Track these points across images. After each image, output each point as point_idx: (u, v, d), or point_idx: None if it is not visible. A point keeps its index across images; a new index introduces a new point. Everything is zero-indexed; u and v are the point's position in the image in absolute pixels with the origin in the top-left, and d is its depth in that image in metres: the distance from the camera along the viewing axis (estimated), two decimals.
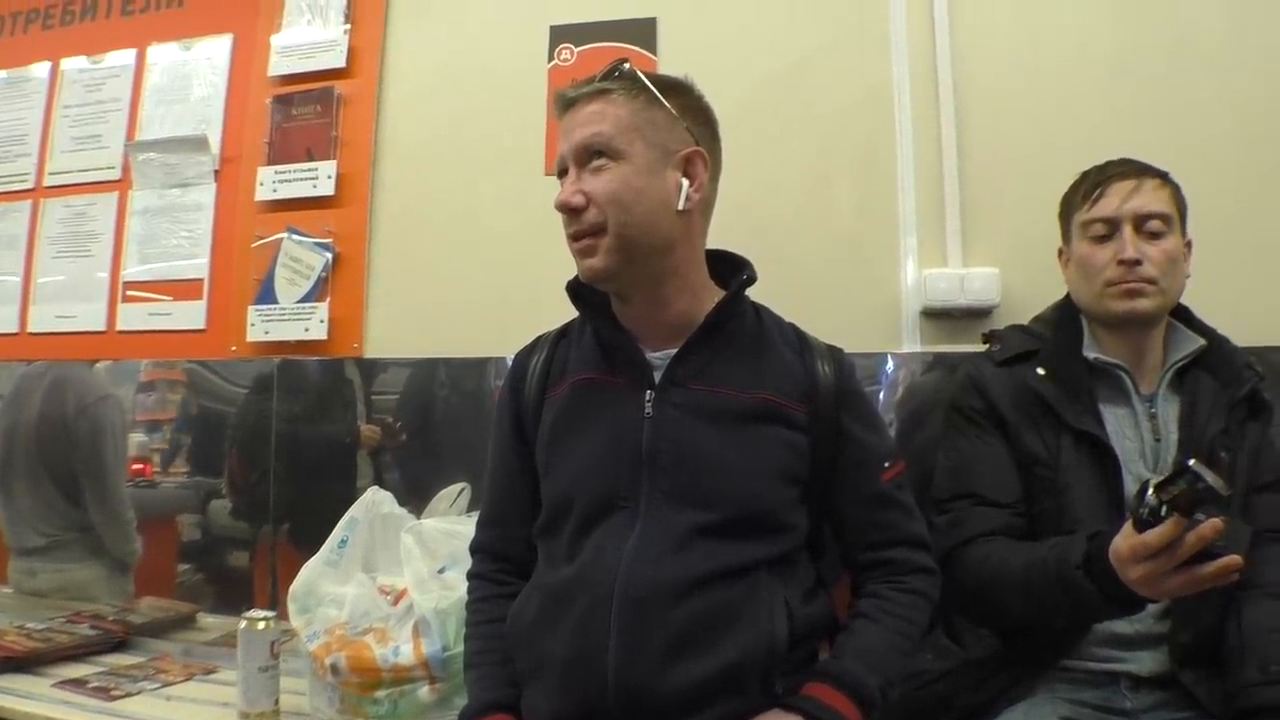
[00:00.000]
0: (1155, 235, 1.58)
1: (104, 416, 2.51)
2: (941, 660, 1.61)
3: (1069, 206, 1.70)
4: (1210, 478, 1.12)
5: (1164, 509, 1.17)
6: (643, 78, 1.40)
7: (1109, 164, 1.66)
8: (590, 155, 1.36)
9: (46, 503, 2.51)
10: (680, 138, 1.40)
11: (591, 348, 1.47)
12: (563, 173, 1.41)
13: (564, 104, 1.42)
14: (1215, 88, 2.02)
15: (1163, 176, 1.62)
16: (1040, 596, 1.41)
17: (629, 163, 1.35)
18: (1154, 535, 1.18)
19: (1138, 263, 1.57)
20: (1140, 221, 1.59)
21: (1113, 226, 1.61)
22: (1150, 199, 1.59)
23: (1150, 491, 1.19)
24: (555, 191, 1.39)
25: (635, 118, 1.37)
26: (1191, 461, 1.14)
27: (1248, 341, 1.68)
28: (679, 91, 1.44)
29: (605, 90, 1.38)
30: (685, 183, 1.38)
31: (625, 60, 1.42)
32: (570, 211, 1.36)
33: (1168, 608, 1.49)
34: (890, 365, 2.04)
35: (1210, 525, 1.14)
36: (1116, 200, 1.61)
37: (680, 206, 1.38)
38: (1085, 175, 1.68)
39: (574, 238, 1.38)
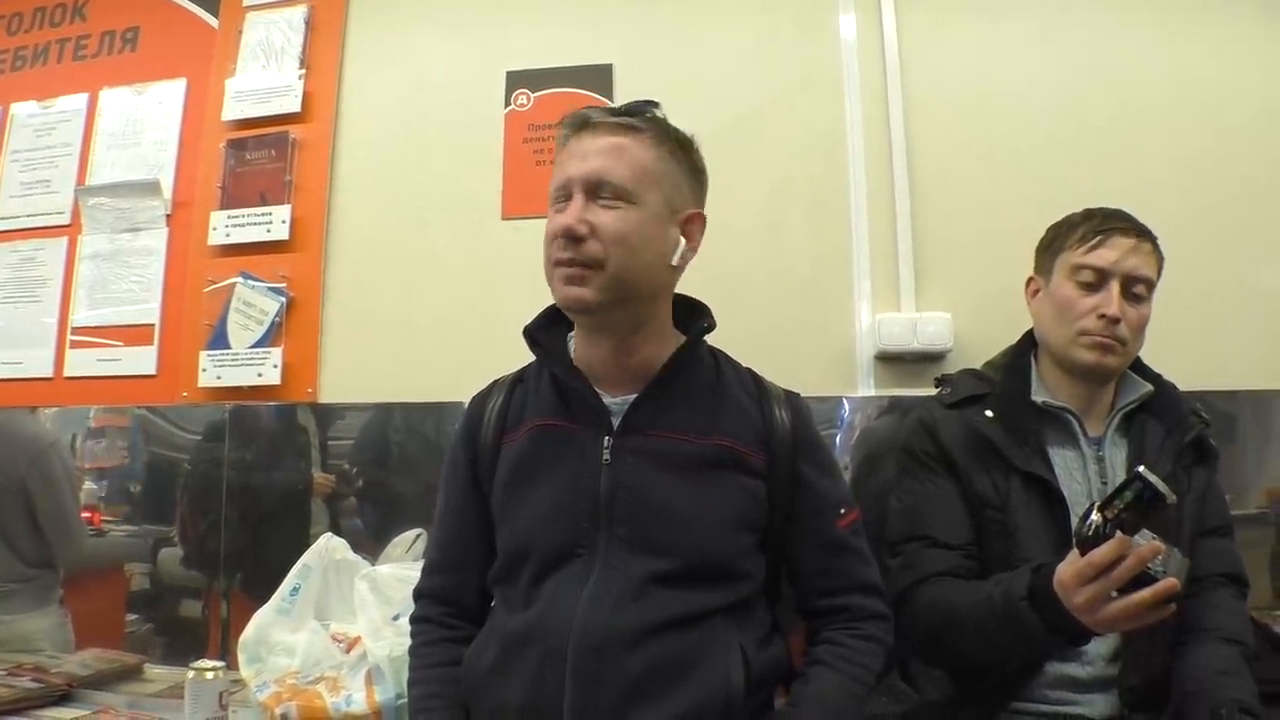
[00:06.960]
0: (1138, 299, 1.60)
1: (54, 463, 2.45)
2: (896, 704, 1.62)
3: (1057, 241, 1.69)
4: (1157, 482, 1.15)
5: (1108, 526, 1.20)
6: (671, 128, 1.39)
7: (1112, 213, 1.65)
8: (602, 189, 1.32)
9: None
10: (685, 197, 1.40)
11: (549, 393, 1.45)
12: (563, 195, 1.35)
13: (581, 123, 1.38)
14: (1159, 137, 2.10)
15: (1155, 242, 1.64)
16: (988, 632, 1.41)
17: (642, 209, 1.33)
18: (1098, 553, 1.20)
19: (1117, 321, 1.57)
20: (1129, 282, 1.59)
21: (1103, 278, 1.60)
22: (1143, 262, 1.61)
23: (1095, 511, 1.22)
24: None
25: (656, 165, 1.35)
26: (1141, 468, 1.18)
27: (1189, 385, 1.71)
28: (690, 150, 1.43)
29: (634, 128, 1.36)
30: (682, 241, 1.38)
31: (657, 104, 1.41)
32: (572, 239, 1.31)
33: (1118, 650, 1.50)
34: (845, 409, 2.06)
35: (1150, 547, 1.18)
36: (1115, 254, 1.60)
37: (674, 262, 1.38)
38: (1088, 215, 1.67)
39: (563, 264, 1.32)
